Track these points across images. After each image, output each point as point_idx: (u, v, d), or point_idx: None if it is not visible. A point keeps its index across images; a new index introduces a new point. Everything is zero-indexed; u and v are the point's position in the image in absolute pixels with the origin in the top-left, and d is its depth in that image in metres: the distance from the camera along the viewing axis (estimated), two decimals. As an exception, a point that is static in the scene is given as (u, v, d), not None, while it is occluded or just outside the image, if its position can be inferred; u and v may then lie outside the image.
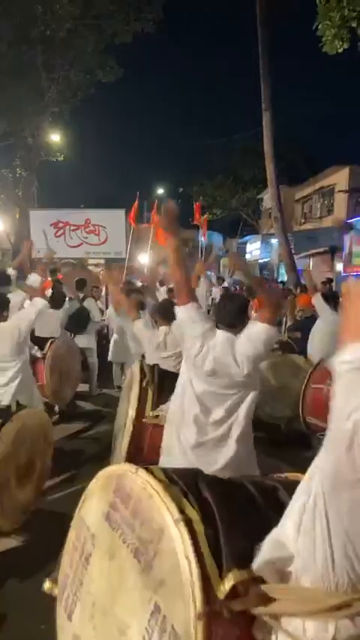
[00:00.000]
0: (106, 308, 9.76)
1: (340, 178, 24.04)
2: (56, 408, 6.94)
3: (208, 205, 37.81)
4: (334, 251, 21.48)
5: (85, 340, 8.05)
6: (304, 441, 5.65)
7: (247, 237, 37.67)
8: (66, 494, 4.57)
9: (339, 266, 19.97)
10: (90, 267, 15.08)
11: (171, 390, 3.25)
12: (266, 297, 3.04)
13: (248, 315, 3.30)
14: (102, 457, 4.49)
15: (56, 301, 7.03)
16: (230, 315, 3.05)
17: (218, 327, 3.03)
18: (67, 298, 7.85)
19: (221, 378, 2.91)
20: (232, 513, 1.52)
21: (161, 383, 3.73)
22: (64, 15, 17.36)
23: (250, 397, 2.96)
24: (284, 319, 8.77)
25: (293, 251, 19.59)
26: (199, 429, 2.94)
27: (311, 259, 24.88)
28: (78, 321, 7.98)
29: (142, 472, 1.60)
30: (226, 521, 1.46)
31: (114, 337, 8.20)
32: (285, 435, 6.15)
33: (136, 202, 10.92)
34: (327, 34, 8.60)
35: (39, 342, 6.49)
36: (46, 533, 3.84)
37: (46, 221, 9.84)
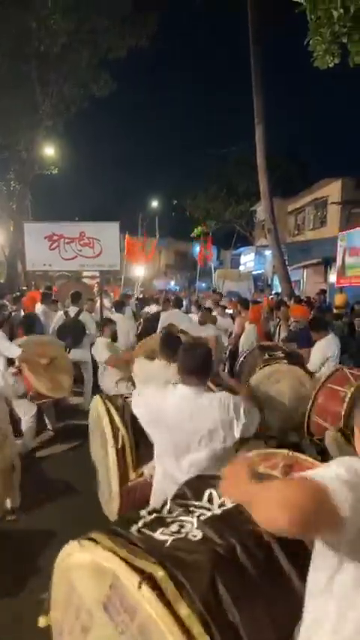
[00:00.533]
0: (101, 320, 9.74)
1: (332, 190, 24.23)
2: (49, 426, 6.85)
3: (201, 217, 38.08)
4: (327, 262, 21.58)
5: (80, 353, 8.03)
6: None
7: (240, 249, 37.87)
8: (52, 512, 4.56)
9: (332, 277, 20.06)
10: (85, 280, 15.14)
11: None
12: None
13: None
14: (90, 477, 4.45)
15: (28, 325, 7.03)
16: (194, 364, 2.81)
17: (182, 380, 2.84)
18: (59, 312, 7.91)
19: (186, 437, 2.74)
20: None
21: (136, 432, 3.49)
22: (58, 30, 17.50)
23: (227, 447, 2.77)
24: (277, 329, 8.80)
25: (287, 262, 19.67)
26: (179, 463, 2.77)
27: (305, 270, 25.02)
28: (73, 335, 7.99)
29: (146, 590, 1.43)
30: None
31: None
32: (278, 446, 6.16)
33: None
34: (318, 50, 8.68)
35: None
36: (27, 552, 3.84)
37: (41, 234, 9.83)
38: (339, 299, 13.65)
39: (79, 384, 8.05)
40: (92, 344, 8.77)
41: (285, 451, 2.47)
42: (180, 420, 2.70)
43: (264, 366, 5.75)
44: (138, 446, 3.52)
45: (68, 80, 20.14)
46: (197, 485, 2.06)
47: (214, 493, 1.96)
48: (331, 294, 17.07)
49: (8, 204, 22.00)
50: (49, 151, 21.66)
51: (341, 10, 8.15)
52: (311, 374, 5.83)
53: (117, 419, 3.66)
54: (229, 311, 10.33)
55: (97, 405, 3.93)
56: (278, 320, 8.82)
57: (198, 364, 2.78)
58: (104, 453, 3.70)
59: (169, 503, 1.96)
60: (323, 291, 15.41)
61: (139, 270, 19.70)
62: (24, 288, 19.24)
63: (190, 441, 2.69)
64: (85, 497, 4.61)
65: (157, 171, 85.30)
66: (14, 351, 5.86)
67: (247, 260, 34.75)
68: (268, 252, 25.21)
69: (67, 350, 7.74)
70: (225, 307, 10.70)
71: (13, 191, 21.73)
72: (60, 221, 10.25)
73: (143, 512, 1.90)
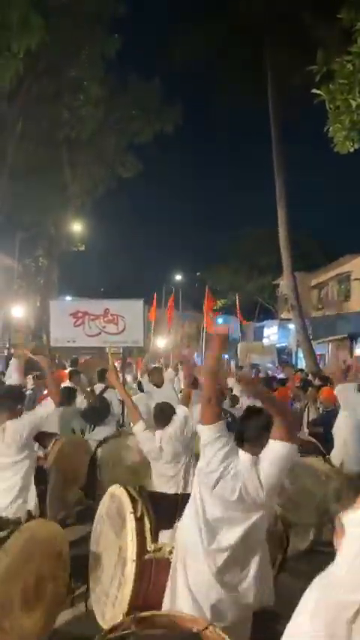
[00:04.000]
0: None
1: (355, 266, 24.41)
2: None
3: (224, 290, 38.54)
4: (353, 338, 21.36)
5: (105, 432, 7.83)
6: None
7: (264, 322, 37.90)
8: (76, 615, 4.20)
9: (359, 352, 19.79)
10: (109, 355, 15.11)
11: (166, 515, 3.02)
12: (278, 413, 2.79)
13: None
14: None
15: (65, 396, 6.91)
16: (254, 432, 2.81)
17: (239, 446, 2.82)
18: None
19: (245, 503, 2.71)
20: None
21: (154, 509, 3.39)
22: (89, 119, 18.61)
23: (265, 517, 2.79)
24: (306, 413, 8.51)
25: (311, 336, 19.53)
26: (210, 559, 2.70)
27: (329, 345, 24.76)
28: (98, 412, 7.79)
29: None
30: None
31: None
32: (312, 544, 5.79)
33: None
34: (338, 136, 8.98)
35: (41, 438, 6.15)
36: None
37: (66, 311, 9.92)
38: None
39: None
40: (117, 422, 8.69)
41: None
42: None
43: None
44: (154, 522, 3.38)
45: (96, 162, 21.18)
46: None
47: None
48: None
49: (36, 279, 22.62)
50: (77, 228, 22.45)
51: (359, 100, 8.48)
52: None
53: (135, 495, 3.53)
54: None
55: (117, 492, 3.70)
56: (306, 401, 8.55)
57: (257, 434, 2.80)
58: (115, 535, 3.52)
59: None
60: (349, 367, 15.12)
61: (161, 342, 19.73)
62: (48, 361, 19.36)
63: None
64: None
65: (181, 248, 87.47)
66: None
67: (271, 333, 34.67)
68: (291, 326, 25.15)
69: (92, 427, 7.57)
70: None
71: (40, 267, 22.40)
72: (86, 294, 10.38)
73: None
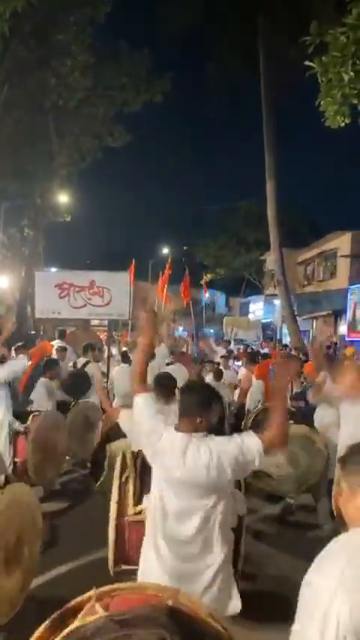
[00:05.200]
0: (108, 370, 9.65)
1: (342, 243, 24.46)
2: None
3: (211, 265, 38.49)
4: (337, 314, 21.55)
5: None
6: (308, 522, 5.52)
7: (250, 297, 38.03)
8: (52, 580, 4.27)
9: (342, 329, 19.98)
10: (94, 329, 15.12)
11: None
12: (279, 413, 2.70)
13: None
14: (92, 539, 4.21)
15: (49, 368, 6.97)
16: (193, 407, 2.68)
17: (177, 424, 2.71)
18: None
19: (182, 483, 2.58)
20: None
21: (144, 471, 3.44)
22: (76, 86, 18.16)
23: (224, 508, 2.61)
24: (289, 386, 8.60)
25: (296, 313, 19.66)
26: (172, 544, 2.60)
27: (314, 322, 24.97)
28: (79, 385, 7.79)
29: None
30: None
31: (116, 401, 8.08)
32: (290, 511, 5.93)
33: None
34: (329, 110, 8.90)
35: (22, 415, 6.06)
36: (26, 624, 3.52)
37: (51, 282, 9.87)
38: (349, 350, 13.58)
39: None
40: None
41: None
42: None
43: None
44: (145, 483, 3.47)
45: (84, 132, 20.75)
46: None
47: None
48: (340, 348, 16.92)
49: (21, 249, 22.34)
50: (63, 198, 22.09)
51: (352, 74, 8.39)
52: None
53: (129, 460, 3.69)
54: (238, 363, 10.17)
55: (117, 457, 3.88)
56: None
57: (195, 408, 2.68)
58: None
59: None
60: (334, 344, 15.32)
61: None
62: (32, 332, 19.26)
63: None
64: (78, 561, 4.43)
65: (168, 220, 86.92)
66: None
67: (256, 308, 34.85)
68: (277, 302, 25.26)
69: (75, 401, 7.59)
70: (227, 357, 10.42)
71: (26, 237, 22.09)
72: (71, 266, 10.30)
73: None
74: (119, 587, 1.79)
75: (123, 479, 3.56)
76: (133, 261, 10.53)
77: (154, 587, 1.81)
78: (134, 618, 1.40)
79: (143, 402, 2.78)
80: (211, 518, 2.56)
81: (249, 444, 2.52)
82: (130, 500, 3.51)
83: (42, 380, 6.83)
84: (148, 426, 2.72)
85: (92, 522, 4.24)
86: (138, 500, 3.52)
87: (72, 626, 1.52)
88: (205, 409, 2.66)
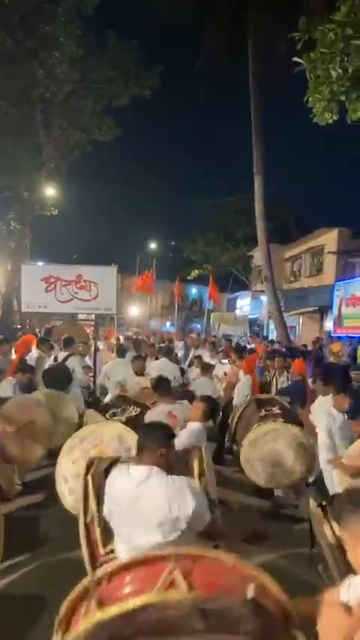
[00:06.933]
0: (94, 364, 9.60)
1: (329, 239, 24.58)
2: (17, 480, 6.19)
3: (198, 261, 38.48)
4: (323, 310, 21.68)
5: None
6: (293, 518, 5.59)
7: (237, 293, 38.08)
8: (26, 575, 4.28)
9: (328, 325, 20.11)
10: (81, 323, 15.06)
11: None
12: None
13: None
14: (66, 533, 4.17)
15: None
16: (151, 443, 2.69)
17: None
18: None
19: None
20: None
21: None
22: (64, 79, 18.02)
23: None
24: (274, 380, 8.65)
25: (283, 309, 19.74)
26: None
27: (300, 317, 25.10)
28: (58, 379, 7.62)
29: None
30: None
31: (109, 396, 8.07)
32: (277, 505, 5.99)
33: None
34: (317, 107, 8.92)
35: None
36: (10, 618, 3.57)
37: (38, 276, 9.79)
38: (336, 346, 13.67)
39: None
40: (84, 388, 8.69)
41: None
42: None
43: (260, 424, 5.61)
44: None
45: (72, 125, 20.62)
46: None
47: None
48: (326, 344, 17.04)
49: (7, 243, 22.14)
50: (50, 192, 21.94)
51: (340, 70, 8.40)
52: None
53: (90, 484, 3.44)
54: (225, 360, 10.18)
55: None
56: (274, 371, 8.67)
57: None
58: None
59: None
60: (319, 339, 15.41)
61: (134, 311, 19.70)
62: (18, 326, 19.13)
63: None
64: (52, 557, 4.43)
65: (156, 215, 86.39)
66: None
67: (244, 304, 34.92)
68: (264, 297, 25.35)
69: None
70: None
71: (12, 230, 21.90)
72: (58, 260, 10.23)
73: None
74: (200, 552, 1.62)
75: (87, 520, 3.33)
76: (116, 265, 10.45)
77: (233, 560, 1.62)
78: (219, 612, 1.21)
79: None
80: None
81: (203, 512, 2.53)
82: (100, 542, 3.26)
83: (9, 378, 6.79)
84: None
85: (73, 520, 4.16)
86: (105, 538, 3.25)
87: (148, 599, 1.29)
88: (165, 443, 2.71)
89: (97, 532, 3.25)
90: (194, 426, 4.30)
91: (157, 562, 1.50)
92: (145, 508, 2.46)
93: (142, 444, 2.71)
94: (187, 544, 2.33)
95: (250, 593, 1.38)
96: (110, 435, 4.55)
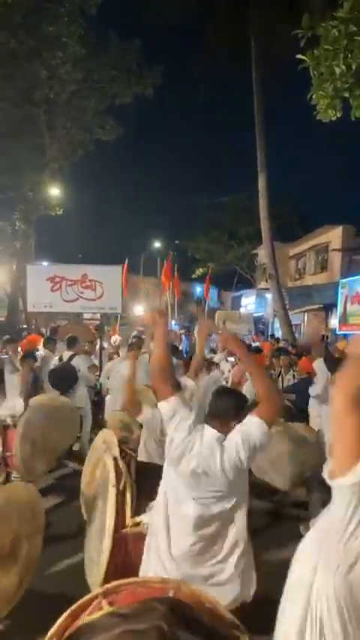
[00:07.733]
0: (100, 363, 9.61)
1: (333, 237, 24.53)
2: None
3: (203, 259, 38.44)
4: (328, 308, 21.63)
5: (75, 399, 7.82)
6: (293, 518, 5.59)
7: (242, 291, 38.03)
8: (50, 576, 4.23)
9: (333, 322, 20.07)
10: (86, 322, 15.09)
11: (153, 486, 2.91)
12: (258, 379, 2.77)
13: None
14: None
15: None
16: (224, 410, 2.72)
17: (208, 423, 2.71)
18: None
19: (209, 483, 2.58)
20: None
21: (140, 479, 3.39)
22: (68, 79, 18.06)
23: (242, 511, 2.67)
24: (280, 379, 8.64)
25: (287, 306, 19.70)
26: (173, 544, 2.65)
27: (305, 315, 25.05)
28: (64, 379, 7.63)
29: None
30: None
31: (109, 397, 8.08)
32: (282, 505, 5.99)
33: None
34: (321, 104, 8.88)
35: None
36: (29, 619, 3.57)
37: (43, 276, 9.84)
38: (341, 344, 13.65)
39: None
40: (90, 387, 8.69)
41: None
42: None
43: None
44: (140, 494, 3.37)
45: (75, 125, 20.67)
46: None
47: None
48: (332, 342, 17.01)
49: (12, 243, 22.22)
50: (55, 192, 21.99)
51: (343, 67, 8.38)
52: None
53: (122, 467, 3.50)
54: (231, 358, 10.16)
55: (107, 462, 3.64)
56: (280, 369, 8.65)
57: (226, 412, 2.74)
58: (101, 501, 3.52)
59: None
60: (324, 337, 15.38)
61: (139, 310, 19.75)
62: (24, 326, 19.21)
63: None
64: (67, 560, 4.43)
65: (160, 214, 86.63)
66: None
67: (248, 302, 34.88)
68: (269, 295, 25.30)
69: (62, 394, 7.53)
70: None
71: (17, 230, 21.97)
72: (63, 260, 10.27)
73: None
74: (126, 582, 1.81)
75: (120, 487, 3.32)
76: (127, 260, 10.47)
77: (159, 580, 1.87)
78: (135, 611, 1.44)
79: (172, 410, 2.67)
80: (229, 525, 2.65)
81: (249, 424, 2.58)
82: (128, 512, 3.27)
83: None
84: (187, 424, 2.65)
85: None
86: (135, 511, 3.30)
87: (79, 624, 1.55)
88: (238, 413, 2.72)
89: (128, 501, 3.32)
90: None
91: (90, 600, 1.73)
92: (211, 469, 2.54)
93: (217, 411, 2.73)
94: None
95: (170, 593, 1.57)
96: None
